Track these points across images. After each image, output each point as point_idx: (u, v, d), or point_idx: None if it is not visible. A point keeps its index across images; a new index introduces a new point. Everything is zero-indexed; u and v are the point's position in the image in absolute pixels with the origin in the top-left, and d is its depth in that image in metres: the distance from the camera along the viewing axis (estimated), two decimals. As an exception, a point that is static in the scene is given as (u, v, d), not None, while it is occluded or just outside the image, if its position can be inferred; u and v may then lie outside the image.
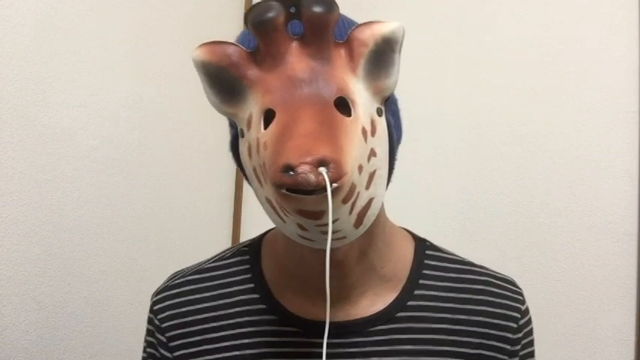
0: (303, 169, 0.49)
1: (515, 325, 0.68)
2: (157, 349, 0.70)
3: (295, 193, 0.51)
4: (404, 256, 0.70)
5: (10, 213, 0.99)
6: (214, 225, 1.53)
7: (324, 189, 0.50)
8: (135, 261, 1.25)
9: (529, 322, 0.71)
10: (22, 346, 1.00)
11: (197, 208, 1.45)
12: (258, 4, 0.55)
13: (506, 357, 0.67)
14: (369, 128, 0.56)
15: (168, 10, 1.35)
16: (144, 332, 0.74)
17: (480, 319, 0.68)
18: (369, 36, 0.57)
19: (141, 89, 1.26)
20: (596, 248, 1.23)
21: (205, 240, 1.48)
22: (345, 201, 0.54)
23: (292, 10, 0.54)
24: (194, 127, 1.40)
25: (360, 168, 0.55)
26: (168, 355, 0.69)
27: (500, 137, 1.33)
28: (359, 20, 0.61)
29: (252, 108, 0.56)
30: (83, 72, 1.12)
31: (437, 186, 1.38)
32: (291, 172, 0.50)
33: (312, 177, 0.49)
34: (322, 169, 0.50)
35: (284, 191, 0.51)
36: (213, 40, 0.57)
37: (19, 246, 1.00)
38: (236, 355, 0.67)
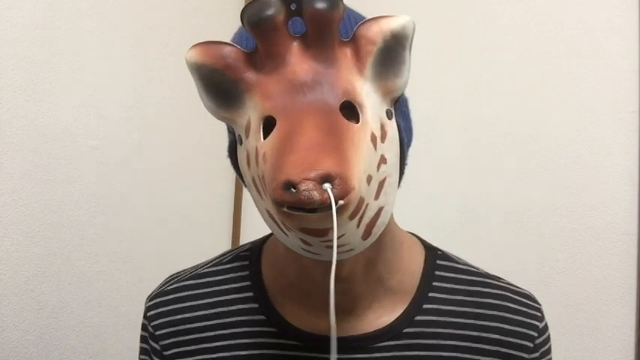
0: (306, 186, 0.44)
1: (531, 345, 0.63)
2: (150, 357, 0.67)
3: (298, 211, 0.46)
4: (413, 265, 0.65)
5: (10, 213, 0.99)
6: (214, 225, 1.53)
7: (330, 207, 0.45)
8: (135, 261, 1.25)
9: (547, 340, 0.65)
10: (22, 346, 1.00)
11: (197, 208, 1.45)
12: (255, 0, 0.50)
13: None
14: (378, 134, 0.51)
15: (168, 10, 1.35)
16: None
17: (493, 336, 0.63)
18: (376, 33, 0.51)
19: (141, 89, 1.26)
20: (596, 248, 1.23)
21: (205, 240, 1.48)
22: (352, 217, 0.49)
23: (293, 6, 0.49)
24: (194, 127, 1.40)
25: (369, 178, 0.50)
26: None
27: (500, 137, 1.33)
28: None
29: (251, 114, 0.52)
30: (83, 72, 1.12)
31: (436, 186, 1.38)
32: (293, 190, 0.45)
33: (315, 195, 0.45)
34: (327, 186, 0.45)
35: (285, 209, 0.46)
36: (207, 39, 0.52)
37: (19, 246, 1.00)
38: None
